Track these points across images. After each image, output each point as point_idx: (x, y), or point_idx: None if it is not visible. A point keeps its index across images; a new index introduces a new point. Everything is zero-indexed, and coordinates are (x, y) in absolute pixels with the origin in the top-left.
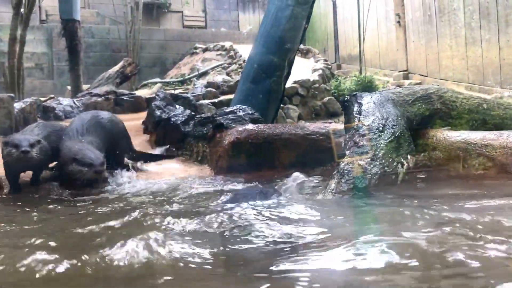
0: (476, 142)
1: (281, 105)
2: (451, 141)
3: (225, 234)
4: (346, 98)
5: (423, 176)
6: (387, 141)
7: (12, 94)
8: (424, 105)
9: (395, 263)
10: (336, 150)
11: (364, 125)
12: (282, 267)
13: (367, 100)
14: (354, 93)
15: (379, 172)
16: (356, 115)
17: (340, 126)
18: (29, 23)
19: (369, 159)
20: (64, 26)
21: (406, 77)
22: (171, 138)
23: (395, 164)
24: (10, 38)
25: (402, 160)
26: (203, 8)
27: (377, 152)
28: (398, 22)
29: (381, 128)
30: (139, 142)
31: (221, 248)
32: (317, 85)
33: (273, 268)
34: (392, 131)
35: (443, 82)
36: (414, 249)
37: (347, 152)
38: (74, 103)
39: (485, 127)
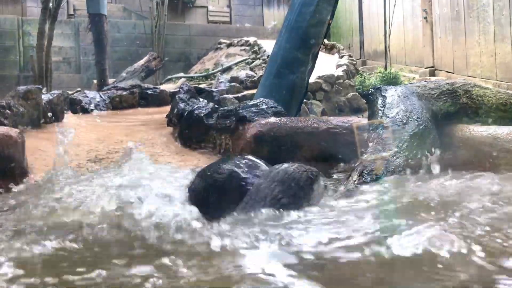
0: (502, 137)
1: (305, 100)
2: (478, 136)
3: None
4: (370, 91)
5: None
6: (411, 133)
7: (40, 86)
8: (450, 99)
9: None
10: (360, 145)
11: (388, 117)
12: None
13: (391, 93)
14: (378, 86)
15: (402, 164)
16: (380, 108)
17: (363, 120)
18: (57, 18)
19: (393, 151)
20: (91, 20)
21: (432, 73)
22: (194, 131)
23: (419, 156)
24: (39, 32)
25: (426, 152)
26: (227, 3)
27: (400, 144)
28: (425, 18)
29: (405, 121)
30: (163, 134)
31: None
32: (341, 80)
33: None
34: (416, 123)
35: (471, 79)
36: None
37: (370, 144)
38: (100, 96)
39: None
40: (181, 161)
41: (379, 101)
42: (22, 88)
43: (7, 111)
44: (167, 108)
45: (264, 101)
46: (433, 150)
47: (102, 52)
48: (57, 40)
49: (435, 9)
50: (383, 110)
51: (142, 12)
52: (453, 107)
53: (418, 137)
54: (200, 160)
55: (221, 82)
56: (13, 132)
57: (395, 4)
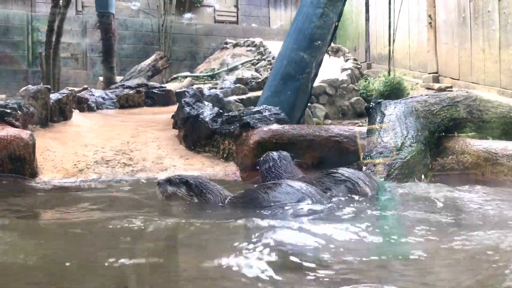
0: (497, 152)
1: (308, 104)
2: (473, 149)
3: None
4: (371, 105)
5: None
6: (404, 160)
7: (48, 86)
8: (449, 115)
9: None
10: (361, 152)
11: (383, 141)
12: None
13: (390, 112)
14: (379, 100)
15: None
16: (377, 128)
17: (364, 129)
18: (66, 15)
19: (383, 177)
20: (99, 19)
21: (436, 79)
22: (199, 134)
23: (408, 182)
24: (48, 29)
25: (416, 180)
26: (235, 3)
27: (391, 171)
28: (430, 23)
29: (399, 146)
30: (168, 136)
31: None
32: (345, 84)
33: None
34: (409, 149)
35: (475, 86)
36: None
37: (363, 168)
38: (106, 94)
39: None
40: (185, 164)
41: (378, 118)
42: (32, 88)
43: (18, 112)
44: (173, 108)
45: (267, 107)
46: (422, 177)
47: (110, 50)
48: (65, 37)
49: (440, 15)
50: (380, 132)
51: (149, 10)
52: (452, 122)
53: (409, 165)
54: (204, 164)
55: (226, 81)
56: (25, 134)
57: (400, 10)
